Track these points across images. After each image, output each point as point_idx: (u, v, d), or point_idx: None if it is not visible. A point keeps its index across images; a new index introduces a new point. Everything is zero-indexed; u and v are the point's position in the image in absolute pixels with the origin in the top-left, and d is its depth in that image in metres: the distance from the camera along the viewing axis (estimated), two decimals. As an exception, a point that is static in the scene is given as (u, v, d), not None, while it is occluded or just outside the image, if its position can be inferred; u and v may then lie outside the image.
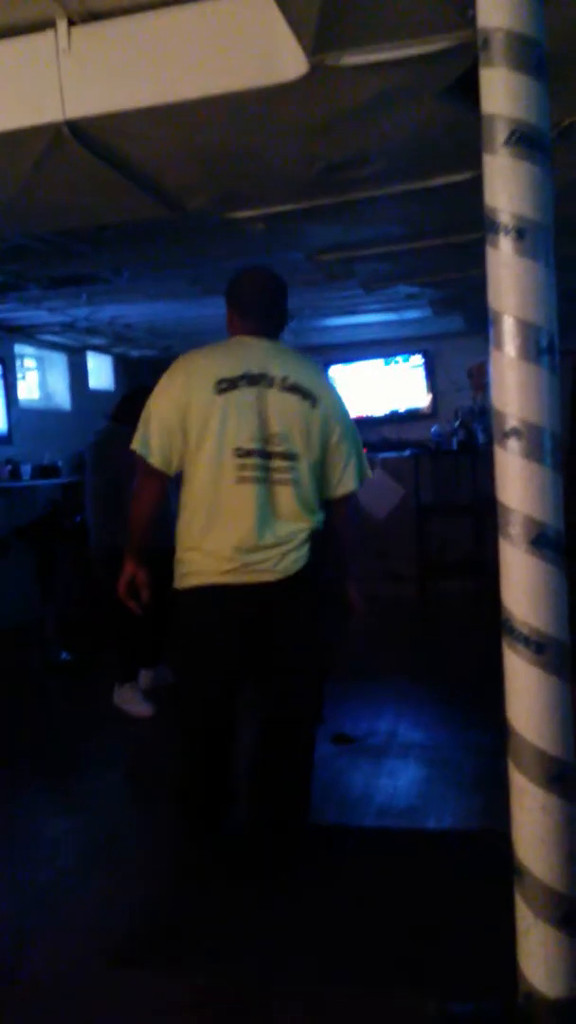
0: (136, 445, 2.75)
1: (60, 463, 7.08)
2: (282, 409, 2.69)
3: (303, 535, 2.78)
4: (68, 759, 4.30)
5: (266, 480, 2.69)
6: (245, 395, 2.66)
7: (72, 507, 6.04)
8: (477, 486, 7.30)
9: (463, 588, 7.21)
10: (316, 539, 2.83)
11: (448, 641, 6.07)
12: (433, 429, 7.97)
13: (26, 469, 6.65)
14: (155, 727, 4.49)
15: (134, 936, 2.50)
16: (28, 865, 3.07)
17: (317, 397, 2.74)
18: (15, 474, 6.53)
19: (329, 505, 2.89)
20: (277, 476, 2.70)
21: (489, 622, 6.61)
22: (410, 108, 2.65)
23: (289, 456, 2.70)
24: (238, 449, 2.66)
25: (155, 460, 2.73)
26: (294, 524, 2.75)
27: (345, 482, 2.84)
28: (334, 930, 2.48)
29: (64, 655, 5.89)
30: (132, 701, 4.59)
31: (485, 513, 7.31)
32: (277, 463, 2.69)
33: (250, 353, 2.75)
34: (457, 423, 7.79)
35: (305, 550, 2.78)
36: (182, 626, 2.88)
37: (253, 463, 2.67)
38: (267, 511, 2.70)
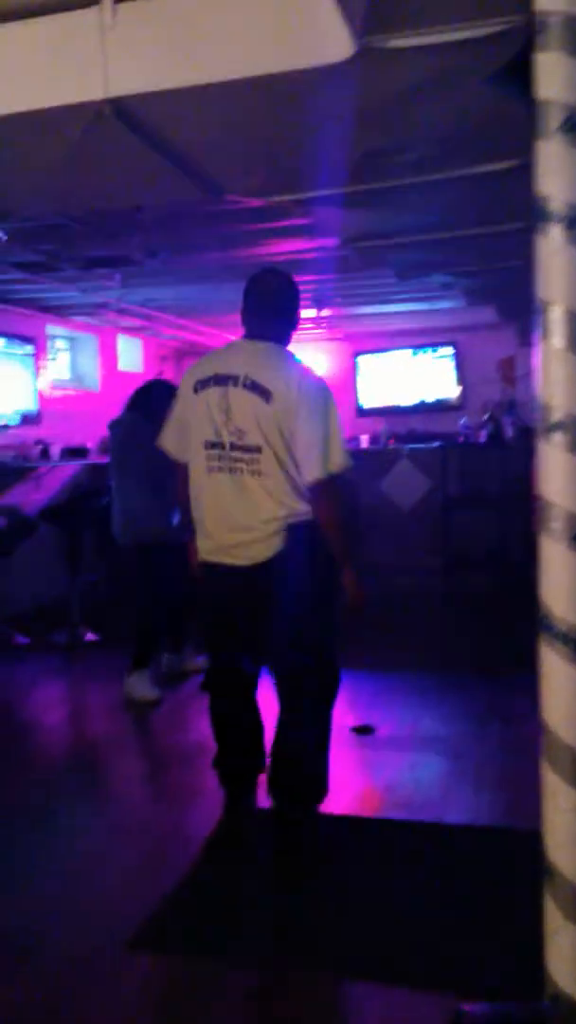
0: (160, 439, 3.20)
1: (89, 445, 7.09)
2: (242, 405, 2.92)
3: (273, 525, 2.94)
4: (91, 740, 4.33)
5: (232, 470, 2.94)
6: (213, 394, 2.96)
7: (100, 489, 6.05)
8: (505, 480, 7.24)
9: (488, 582, 7.16)
10: (300, 529, 2.95)
11: (471, 635, 6.03)
12: (462, 421, 7.91)
13: (55, 449, 6.67)
14: (176, 711, 4.50)
15: (154, 920, 2.51)
16: (49, 846, 3.09)
17: (272, 393, 2.90)
18: (44, 454, 6.55)
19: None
20: (243, 467, 2.93)
21: (514, 617, 6.56)
22: (456, 93, 2.61)
23: (251, 448, 2.92)
24: (206, 442, 2.98)
25: (170, 449, 3.19)
26: (263, 514, 2.93)
27: (310, 470, 2.92)
28: (355, 921, 2.47)
29: (89, 635, 5.92)
30: (142, 687, 4.60)
31: (512, 507, 7.26)
32: (240, 455, 2.93)
33: (229, 356, 3.06)
34: (486, 416, 7.72)
35: (277, 540, 2.94)
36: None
37: (218, 455, 2.96)
38: (235, 500, 2.95)
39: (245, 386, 2.93)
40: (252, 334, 3.08)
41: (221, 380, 2.96)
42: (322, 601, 3.07)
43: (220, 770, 3.30)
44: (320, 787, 3.11)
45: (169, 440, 3.19)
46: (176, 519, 4.53)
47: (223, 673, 3.24)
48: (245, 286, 3.12)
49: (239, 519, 2.96)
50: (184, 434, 3.09)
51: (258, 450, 2.91)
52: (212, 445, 2.97)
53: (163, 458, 3.25)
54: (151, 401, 4.57)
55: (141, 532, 4.66)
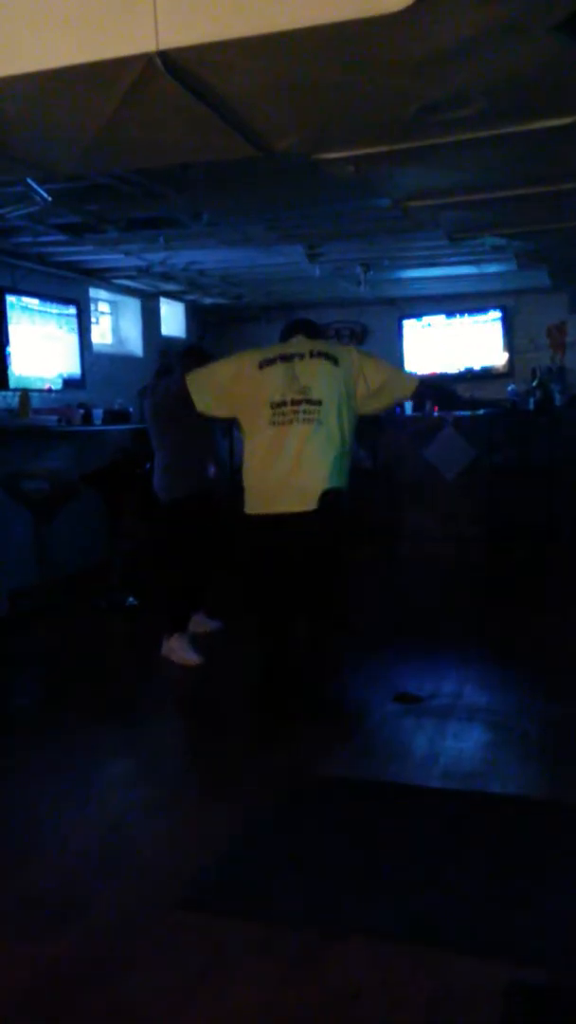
0: (200, 404, 3.89)
1: (131, 409, 7.08)
2: (309, 370, 3.69)
3: (327, 464, 3.66)
4: (131, 702, 4.36)
5: (294, 421, 3.63)
6: (278, 368, 3.70)
7: (141, 453, 6.05)
8: (553, 448, 7.11)
9: (534, 552, 7.06)
10: (341, 490, 3.71)
11: (516, 606, 5.96)
12: (510, 388, 7.77)
13: (97, 413, 6.67)
14: (213, 673, 4.51)
15: (200, 880, 2.52)
16: (93, 804, 3.12)
17: (339, 359, 3.76)
18: (87, 418, 6.55)
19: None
20: (303, 416, 3.63)
21: (560, 588, 6.50)
22: (517, 45, 2.50)
23: (314, 401, 3.64)
24: (271, 402, 3.67)
25: (213, 412, 3.98)
26: (321, 454, 3.64)
27: (402, 388, 3.94)
28: (403, 888, 2.46)
29: (130, 600, 5.95)
30: (181, 650, 4.63)
31: (560, 476, 7.15)
32: (303, 407, 3.63)
33: (292, 343, 3.89)
34: (535, 383, 7.58)
35: (329, 478, 3.66)
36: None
37: (282, 411, 3.65)
38: (296, 442, 3.62)
39: (313, 356, 3.72)
40: (303, 334, 3.95)
41: (286, 358, 3.72)
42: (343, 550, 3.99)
43: (265, 673, 3.93)
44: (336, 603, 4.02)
45: (211, 404, 3.88)
46: (212, 471, 4.67)
47: (271, 602, 3.86)
48: (291, 324, 4.10)
49: (295, 461, 3.61)
50: (225, 401, 3.84)
51: (320, 403, 3.63)
52: (277, 404, 3.64)
53: (196, 418, 3.97)
54: (191, 365, 4.66)
55: (181, 487, 4.79)
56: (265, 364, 3.72)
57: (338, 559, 3.91)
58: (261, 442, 3.70)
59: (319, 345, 3.85)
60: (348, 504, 3.81)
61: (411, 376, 4.00)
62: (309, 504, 3.62)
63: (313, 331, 4.03)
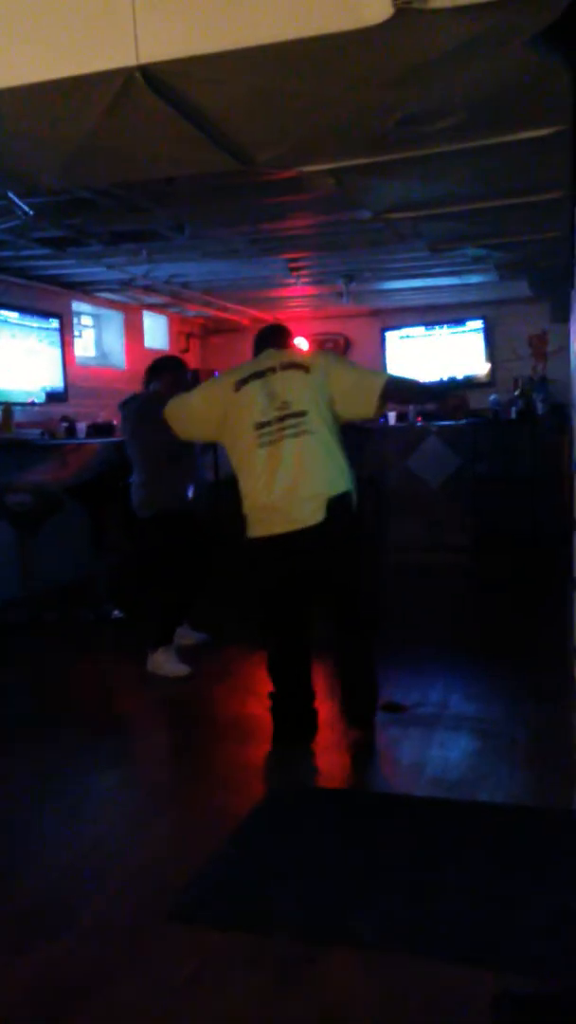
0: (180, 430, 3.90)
1: (115, 422, 7.06)
2: (285, 383, 3.58)
3: (327, 478, 3.55)
4: (118, 715, 4.33)
5: (284, 437, 3.51)
6: (255, 386, 3.59)
7: (125, 466, 6.04)
8: (536, 457, 7.16)
9: (518, 560, 7.09)
10: (346, 496, 3.58)
11: (501, 613, 5.98)
12: (492, 398, 7.81)
13: (81, 427, 6.65)
14: (202, 686, 4.49)
15: (189, 890, 2.50)
16: (82, 817, 3.10)
17: (309, 367, 3.65)
18: (70, 432, 6.54)
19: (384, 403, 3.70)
20: (293, 431, 3.51)
21: (544, 595, 6.51)
22: (496, 57, 2.52)
23: (298, 414, 3.54)
24: (255, 424, 3.55)
25: (192, 437, 4.14)
26: (317, 466, 3.53)
27: (372, 387, 3.61)
28: (391, 897, 2.45)
29: (116, 612, 5.93)
30: (168, 663, 4.61)
31: (542, 485, 7.18)
32: (289, 422, 3.53)
33: (260, 360, 3.76)
34: (517, 393, 7.62)
35: (331, 492, 3.53)
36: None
37: (268, 431, 3.53)
38: (291, 459, 3.50)
39: (284, 368, 3.62)
40: (273, 346, 3.86)
41: (258, 374, 3.62)
42: (364, 550, 3.91)
43: (280, 711, 3.68)
44: (376, 687, 3.81)
45: (195, 432, 3.96)
46: (191, 492, 4.64)
47: (288, 632, 3.68)
48: (261, 336, 4.00)
49: (296, 474, 3.50)
50: (206, 428, 3.83)
51: (304, 413, 3.54)
52: (261, 425, 3.54)
53: (173, 437, 3.92)
54: (167, 377, 4.72)
55: (158, 504, 4.73)
56: (240, 385, 3.63)
57: (359, 562, 3.78)
58: (255, 465, 3.56)
59: (287, 356, 3.76)
60: (357, 505, 3.68)
61: (379, 373, 3.81)
62: (318, 516, 3.48)
63: (281, 340, 3.96)
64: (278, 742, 3.65)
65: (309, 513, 3.49)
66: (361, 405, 3.65)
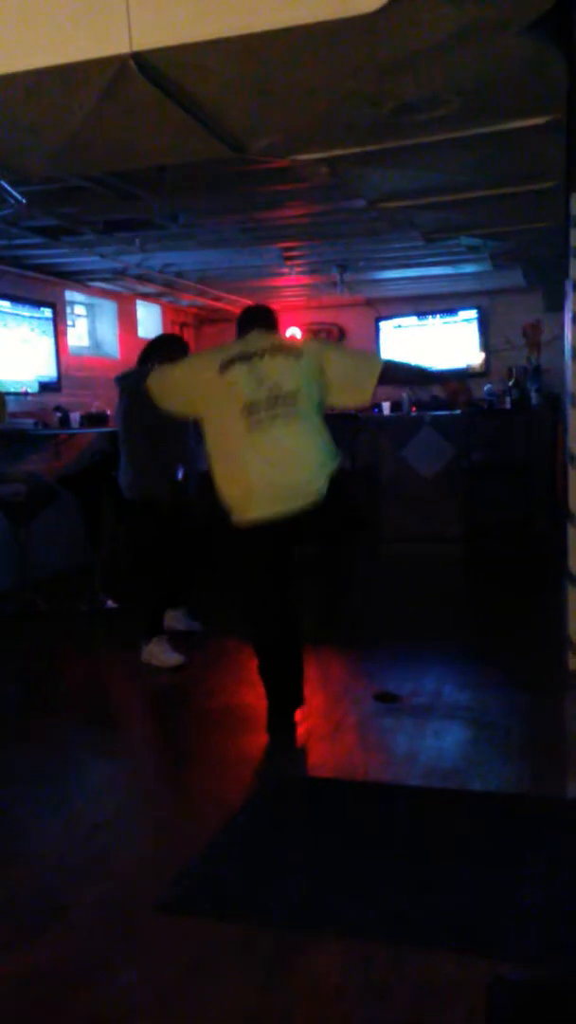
0: (164, 403, 3.78)
1: (108, 412, 7.05)
2: (274, 367, 3.53)
3: (319, 459, 3.54)
4: (111, 706, 4.34)
5: (274, 419, 3.47)
6: (240, 369, 3.53)
7: (119, 456, 6.04)
8: (530, 446, 7.16)
9: (512, 550, 7.11)
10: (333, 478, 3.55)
11: (495, 603, 6.00)
12: (486, 388, 7.81)
13: (75, 417, 6.64)
14: (196, 676, 4.50)
15: (182, 882, 2.51)
16: (74, 808, 3.11)
17: (301, 352, 3.65)
18: (64, 422, 6.52)
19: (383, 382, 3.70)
20: (283, 413, 3.49)
21: (538, 585, 6.53)
22: (490, 45, 2.52)
23: (288, 396, 3.50)
24: (244, 407, 3.48)
25: (178, 409, 3.85)
26: (310, 449, 3.53)
27: (371, 369, 3.65)
28: (384, 886, 2.46)
29: (109, 603, 5.93)
30: (162, 653, 4.61)
31: (536, 474, 7.19)
32: (279, 405, 3.49)
33: (248, 341, 3.68)
34: (511, 382, 7.62)
35: (323, 479, 3.51)
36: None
37: (258, 415, 3.47)
38: (282, 442, 3.48)
39: (273, 353, 3.56)
40: (260, 328, 3.74)
41: (246, 357, 3.54)
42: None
43: (268, 685, 3.71)
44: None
45: (175, 403, 3.78)
46: (180, 473, 4.58)
47: (274, 610, 3.66)
48: (246, 315, 3.90)
49: (290, 459, 3.49)
50: (187, 403, 3.73)
51: (294, 397, 3.51)
52: (249, 408, 3.48)
53: (163, 415, 3.85)
54: (163, 355, 4.58)
55: (147, 486, 4.68)
56: (225, 366, 3.55)
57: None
58: (244, 449, 3.51)
59: (276, 340, 3.72)
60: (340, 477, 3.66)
61: (375, 356, 3.87)
62: (313, 497, 3.49)
63: (270, 322, 3.86)
64: (273, 715, 3.67)
65: (303, 496, 3.48)
66: (357, 390, 3.66)
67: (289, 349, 3.64)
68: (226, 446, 3.56)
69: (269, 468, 3.48)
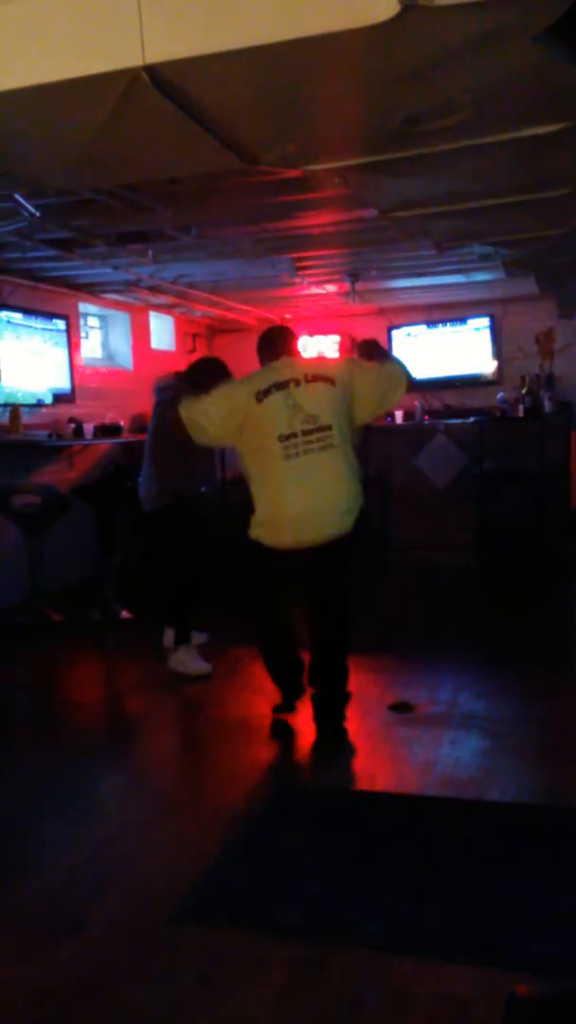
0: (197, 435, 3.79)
1: (122, 423, 7.08)
2: (311, 396, 3.60)
3: (351, 493, 3.66)
4: (126, 717, 4.34)
5: (308, 451, 3.56)
6: (277, 397, 3.60)
7: (133, 467, 6.05)
8: (543, 455, 7.13)
9: (525, 558, 7.07)
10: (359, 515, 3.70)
11: (509, 612, 5.97)
12: (499, 396, 7.79)
13: (88, 428, 6.66)
14: (211, 687, 4.49)
15: (196, 894, 2.50)
16: (87, 818, 3.10)
17: (334, 379, 3.68)
18: (78, 433, 6.54)
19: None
20: (317, 445, 3.57)
21: (551, 593, 6.50)
22: (503, 54, 2.51)
23: (324, 428, 3.59)
24: (280, 436, 3.56)
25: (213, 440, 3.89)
26: (342, 481, 3.62)
27: (399, 381, 3.87)
28: (398, 897, 2.45)
29: (123, 613, 5.93)
30: (191, 662, 4.62)
31: (549, 483, 7.16)
32: (314, 436, 3.57)
33: (279, 368, 3.72)
34: (524, 390, 7.60)
35: (351, 516, 3.67)
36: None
37: (293, 444, 3.55)
38: (315, 473, 3.57)
39: (309, 380, 3.63)
40: (286, 354, 3.81)
41: (281, 385, 3.62)
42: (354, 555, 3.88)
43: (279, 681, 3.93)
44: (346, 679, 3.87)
45: (207, 439, 3.82)
46: (202, 488, 4.66)
47: (279, 622, 3.83)
48: (270, 338, 3.93)
49: (324, 489, 3.58)
50: (224, 432, 3.71)
51: (329, 428, 3.59)
52: (286, 437, 3.55)
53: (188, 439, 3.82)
54: (200, 375, 4.60)
55: (170, 494, 4.71)
56: (262, 396, 3.59)
57: (347, 567, 3.84)
58: (277, 476, 3.57)
59: (312, 367, 3.76)
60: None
61: (401, 377, 3.89)
62: (343, 528, 3.64)
63: (293, 346, 3.93)
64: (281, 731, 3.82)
65: (335, 526, 3.62)
66: (390, 393, 3.84)
67: (326, 376, 3.67)
68: (263, 472, 3.63)
69: (303, 497, 3.55)
